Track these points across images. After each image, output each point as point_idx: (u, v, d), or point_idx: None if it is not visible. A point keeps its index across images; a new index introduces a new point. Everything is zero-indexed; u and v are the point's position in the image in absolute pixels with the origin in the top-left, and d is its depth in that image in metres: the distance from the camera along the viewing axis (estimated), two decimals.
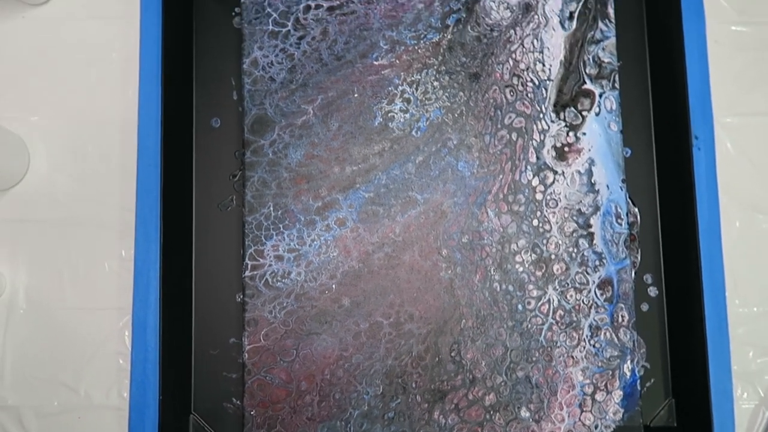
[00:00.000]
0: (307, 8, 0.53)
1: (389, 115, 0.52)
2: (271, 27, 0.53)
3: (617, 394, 0.51)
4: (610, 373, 0.51)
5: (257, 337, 0.51)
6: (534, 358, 0.51)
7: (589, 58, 0.53)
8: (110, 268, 0.55)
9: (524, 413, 0.50)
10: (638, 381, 0.51)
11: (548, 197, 0.52)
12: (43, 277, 0.55)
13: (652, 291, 0.55)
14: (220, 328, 0.54)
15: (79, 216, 0.55)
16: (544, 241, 0.52)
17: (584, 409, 0.50)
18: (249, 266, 0.51)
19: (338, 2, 0.53)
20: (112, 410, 0.53)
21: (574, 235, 0.52)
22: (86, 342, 0.54)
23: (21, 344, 0.54)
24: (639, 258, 0.55)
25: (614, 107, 0.53)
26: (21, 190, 0.55)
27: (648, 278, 0.55)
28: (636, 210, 0.55)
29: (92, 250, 0.55)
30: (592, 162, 0.52)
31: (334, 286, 0.51)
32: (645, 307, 0.54)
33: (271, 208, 0.52)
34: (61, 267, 0.55)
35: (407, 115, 0.52)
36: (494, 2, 0.53)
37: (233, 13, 0.56)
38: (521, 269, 0.51)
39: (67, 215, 0.55)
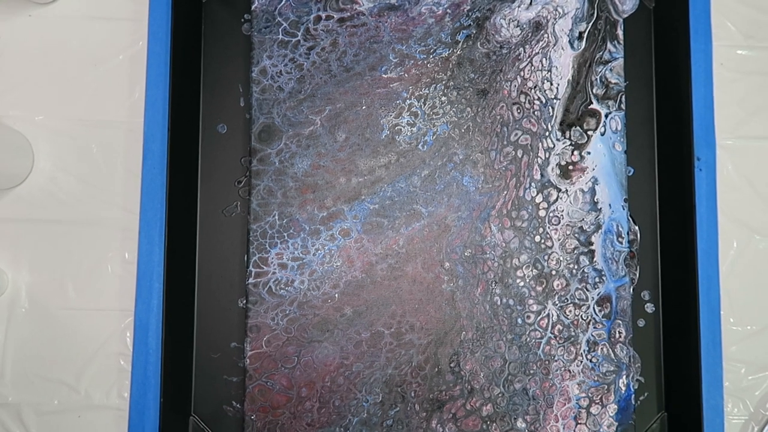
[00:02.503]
0: (318, 19, 0.53)
1: (396, 128, 0.53)
2: (281, 36, 0.53)
3: (612, 408, 0.52)
4: (606, 387, 0.52)
5: (259, 343, 0.51)
6: (531, 371, 0.52)
7: (596, 79, 0.53)
8: (113, 269, 0.55)
9: (520, 424, 0.51)
10: (633, 395, 0.52)
11: (551, 214, 0.53)
12: (45, 276, 0.55)
13: (649, 307, 0.56)
14: (222, 332, 0.54)
15: (83, 217, 0.55)
16: (546, 257, 0.52)
17: (579, 421, 0.52)
18: (253, 273, 0.52)
19: (349, 14, 0.53)
20: (112, 410, 0.54)
21: (575, 252, 0.52)
22: (88, 342, 0.54)
23: (22, 343, 0.54)
24: (637, 275, 0.55)
25: (619, 128, 0.53)
26: (25, 189, 0.55)
27: (645, 295, 0.56)
28: (636, 228, 0.56)
29: (95, 251, 0.55)
30: (595, 181, 0.53)
31: (336, 295, 0.52)
32: (641, 322, 0.55)
33: (277, 217, 0.52)
34: (64, 267, 0.55)
35: (414, 129, 0.53)
36: (504, 20, 0.53)
37: (242, 20, 0.56)
38: (522, 284, 0.52)
39: (70, 216, 0.55)
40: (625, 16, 0.55)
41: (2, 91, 0.56)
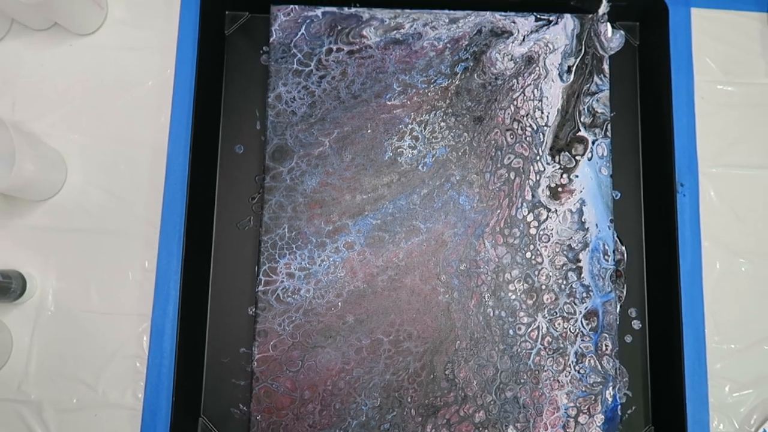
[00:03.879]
0: (329, 51, 0.58)
1: (398, 150, 0.57)
2: (295, 66, 0.58)
3: (599, 418, 0.54)
4: (593, 397, 0.54)
5: (266, 347, 0.55)
6: (522, 380, 0.55)
7: (584, 108, 0.58)
8: (133, 276, 0.59)
9: (511, 431, 0.54)
10: (619, 407, 0.55)
11: (541, 232, 0.56)
12: (71, 282, 0.59)
13: (636, 324, 0.59)
14: (232, 338, 0.58)
15: (108, 227, 0.60)
16: (536, 273, 0.56)
17: (567, 430, 0.54)
18: (262, 282, 0.56)
19: (357, 47, 0.58)
20: (127, 410, 0.57)
21: (564, 268, 0.56)
22: (107, 344, 0.58)
23: (47, 344, 0.58)
24: (624, 293, 0.59)
25: (605, 153, 0.57)
26: (57, 201, 0.60)
27: (632, 312, 0.59)
28: (623, 248, 0.59)
29: (118, 259, 0.59)
30: (583, 202, 0.57)
31: (339, 303, 0.55)
32: (629, 338, 0.58)
33: (286, 230, 0.56)
34: (89, 274, 0.59)
35: (415, 151, 0.57)
36: (499, 54, 0.58)
37: (261, 52, 0.62)
38: (513, 297, 0.55)
39: (97, 226, 0.60)
40: (612, 52, 0.60)
41: (43, 112, 0.61)
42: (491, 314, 0.55)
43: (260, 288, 0.56)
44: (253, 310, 0.57)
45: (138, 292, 0.59)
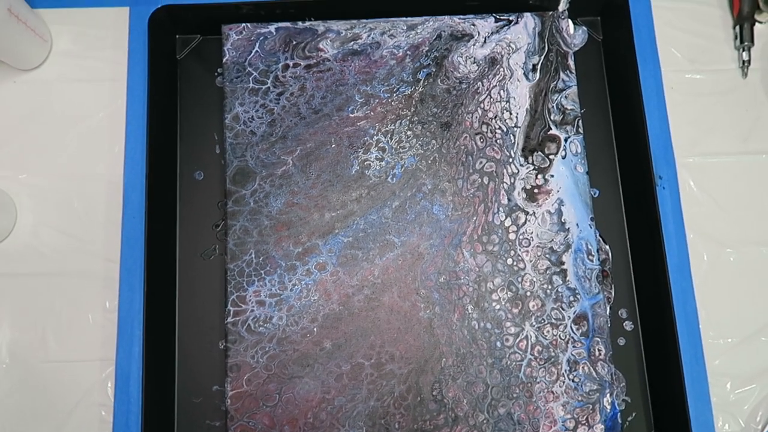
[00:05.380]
0: (286, 67, 0.56)
1: (365, 163, 0.55)
2: (251, 84, 0.56)
3: (599, 428, 0.51)
4: (591, 407, 0.51)
5: (240, 382, 0.51)
6: (515, 395, 0.51)
7: (553, 106, 0.56)
8: (94, 319, 0.55)
9: None
10: (619, 414, 0.52)
11: (521, 237, 0.54)
12: (26, 330, 0.55)
13: (628, 325, 0.56)
14: (203, 376, 0.54)
15: (64, 269, 0.56)
16: (519, 279, 0.53)
17: None
18: (231, 312, 0.52)
19: (315, 61, 0.56)
20: None
21: (548, 272, 0.53)
22: (68, 394, 0.54)
23: (2, 399, 0.54)
24: (613, 293, 0.56)
25: (579, 150, 0.55)
26: (7, 245, 0.56)
27: (623, 313, 0.56)
28: (607, 247, 0.57)
29: (76, 302, 0.56)
30: (561, 202, 0.54)
31: (315, 329, 0.52)
32: (622, 341, 0.56)
33: (253, 255, 0.53)
34: (45, 320, 0.55)
35: (383, 163, 0.55)
36: (462, 57, 0.57)
37: (216, 74, 0.59)
38: (498, 307, 0.53)
39: (52, 269, 0.56)
40: (576, 48, 0.58)
41: None
42: (476, 327, 0.52)
43: (229, 319, 0.52)
44: (224, 344, 0.53)
45: (100, 335, 0.55)
